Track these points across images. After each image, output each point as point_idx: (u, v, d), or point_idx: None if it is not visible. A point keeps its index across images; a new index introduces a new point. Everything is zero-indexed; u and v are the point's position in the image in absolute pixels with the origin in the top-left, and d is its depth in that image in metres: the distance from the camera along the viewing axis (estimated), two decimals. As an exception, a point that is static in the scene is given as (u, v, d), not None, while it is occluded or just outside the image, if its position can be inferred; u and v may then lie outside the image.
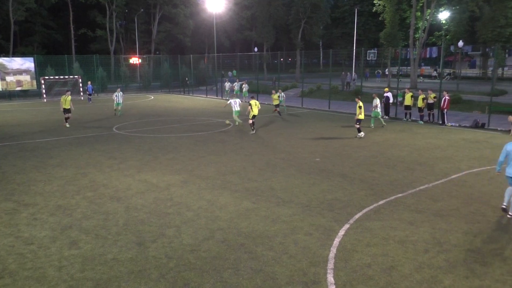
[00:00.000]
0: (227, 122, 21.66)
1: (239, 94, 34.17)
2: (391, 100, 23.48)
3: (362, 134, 17.57)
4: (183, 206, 9.37)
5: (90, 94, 35.21)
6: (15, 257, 6.98)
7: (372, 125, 20.12)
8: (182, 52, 62.27)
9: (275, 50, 66.68)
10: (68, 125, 20.99)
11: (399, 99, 25.08)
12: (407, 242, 7.45)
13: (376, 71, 54.75)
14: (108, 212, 9.06)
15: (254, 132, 18.83)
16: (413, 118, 22.50)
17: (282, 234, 7.83)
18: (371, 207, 9.27)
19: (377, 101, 19.87)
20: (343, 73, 42.31)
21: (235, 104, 20.40)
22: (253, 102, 18.99)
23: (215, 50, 48.55)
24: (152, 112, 27.34)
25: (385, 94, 23.44)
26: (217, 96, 38.51)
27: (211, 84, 43.82)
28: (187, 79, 43.87)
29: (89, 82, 35.74)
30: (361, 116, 17.48)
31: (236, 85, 34.57)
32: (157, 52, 66.64)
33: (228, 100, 22.92)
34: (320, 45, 78.67)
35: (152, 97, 38.97)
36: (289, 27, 62.09)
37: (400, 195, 10.11)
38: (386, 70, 54.71)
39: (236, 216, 8.74)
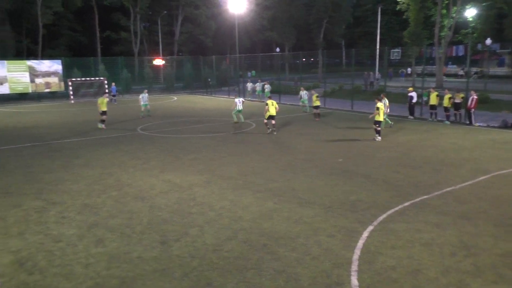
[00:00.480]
0: (238, 120, 22.12)
1: (261, 95, 34.26)
2: (414, 100, 23.05)
3: (379, 138, 16.90)
4: (205, 206, 9.44)
5: (114, 95, 35.89)
6: (44, 254, 7.18)
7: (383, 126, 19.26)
8: (204, 53, 62.78)
9: (296, 50, 66.50)
10: (104, 126, 20.90)
11: (424, 98, 24.59)
12: (433, 245, 7.30)
13: (400, 70, 53.88)
14: (133, 211, 9.22)
15: (270, 132, 18.72)
16: (439, 118, 22.03)
17: (304, 235, 7.80)
18: (396, 208, 9.13)
19: (386, 102, 19.16)
20: (365, 72, 41.80)
21: (239, 103, 21.49)
22: (269, 102, 18.82)
23: (237, 51, 48.76)
24: (175, 113, 27.66)
25: (409, 94, 23.04)
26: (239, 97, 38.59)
27: (233, 84, 44.00)
28: (209, 80, 44.20)
29: (113, 84, 36.44)
30: (379, 118, 16.96)
31: (258, 86, 34.62)
32: (180, 53, 67.42)
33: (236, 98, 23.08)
34: (342, 44, 77.94)
35: (175, 98, 39.43)
36: (310, 27, 61.79)
37: (425, 196, 9.91)
38: (409, 69, 53.75)
39: (258, 217, 8.75)
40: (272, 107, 18.62)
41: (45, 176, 12.28)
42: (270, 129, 18.79)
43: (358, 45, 74.00)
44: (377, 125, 17.02)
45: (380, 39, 51.87)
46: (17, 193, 10.73)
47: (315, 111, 22.94)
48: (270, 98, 19.73)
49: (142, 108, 25.41)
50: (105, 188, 11.01)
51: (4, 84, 35.63)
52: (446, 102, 21.24)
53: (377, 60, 48.80)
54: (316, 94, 23.12)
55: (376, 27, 53.02)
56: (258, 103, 33.42)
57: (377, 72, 43.88)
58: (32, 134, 19.80)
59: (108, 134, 19.45)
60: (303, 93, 26.66)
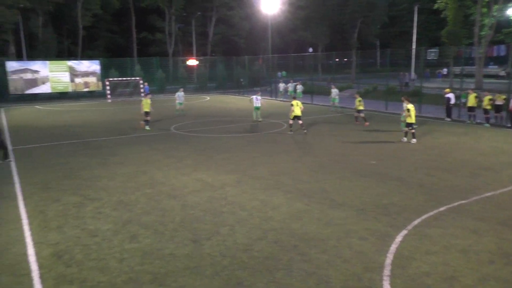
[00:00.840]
0: (256, 118, 22.60)
1: (293, 95, 34.13)
2: (452, 101, 22.33)
3: (414, 140, 16.43)
4: (237, 206, 9.51)
5: (146, 95, 36.72)
6: (81, 248, 7.44)
7: (404, 128, 18.56)
8: (237, 53, 63.17)
9: (329, 50, 65.79)
10: (148, 128, 20.72)
11: (463, 100, 23.78)
12: (470, 252, 7.05)
13: (437, 71, 52.28)
14: (166, 208, 9.41)
15: (292, 132, 18.74)
16: (478, 121, 21.24)
17: (335, 237, 7.72)
18: (431, 213, 8.88)
19: (407, 106, 18.28)
20: (401, 73, 40.84)
21: (257, 100, 22.18)
22: (294, 102, 18.76)
23: (270, 51, 48.82)
24: (208, 112, 28.00)
25: (446, 95, 22.35)
26: (271, 97, 38.65)
27: (265, 85, 44.07)
28: (241, 80, 44.45)
29: (145, 84, 37.32)
30: (411, 120, 16.34)
31: (290, 86, 34.52)
32: (213, 54, 68.13)
33: (251, 97, 23.22)
34: (377, 44, 76.47)
35: (208, 98, 39.91)
36: (344, 26, 60.92)
37: (463, 201, 9.59)
38: (445, 69, 52.02)
39: (288, 217, 8.73)
40: (297, 107, 18.61)
41: (83, 173, 12.72)
42: (293, 131, 18.85)
43: (393, 45, 72.31)
44: (410, 127, 16.55)
45: (416, 38, 50.55)
46: (57, 188, 11.17)
47: (357, 114, 21.51)
48: (294, 98, 19.71)
49: (177, 107, 26.48)
50: (140, 185, 11.29)
51: (46, 84, 37.19)
52: (486, 104, 20.45)
53: (413, 60, 47.54)
54: (360, 98, 21.49)
55: (412, 27, 51.67)
56: (290, 103, 33.32)
57: (412, 73, 42.72)
58: (71, 132, 20.56)
59: (143, 133, 19.92)
60: (334, 92, 26.57)
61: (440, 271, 6.40)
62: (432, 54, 43.54)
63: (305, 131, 18.63)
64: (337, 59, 73.20)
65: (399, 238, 7.62)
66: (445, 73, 51.34)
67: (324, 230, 8.03)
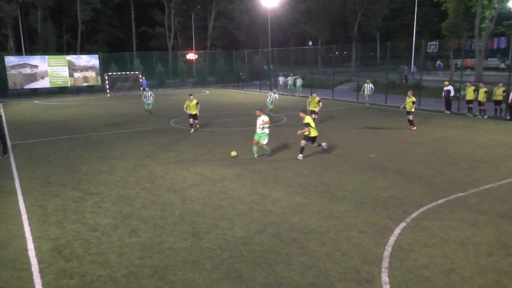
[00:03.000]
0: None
1: (292, 89, 34.08)
2: (452, 94, 22.29)
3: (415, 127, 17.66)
4: (236, 199, 9.52)
5: (144, 89, 36.76)
6: (81, 242, 7.47)
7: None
8: (237, 47, 62.95)
9: (330, 44, 65.55)
10: (192, 131, 18.17)
11: (462, 93, 23.74)
12: (468, 244, 7.07)
13: (437, 64, 52.07)
14: (165, 203, 9.43)
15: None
16: (476, 114, 21.19)
17: (335, 230, 7.74)
18: (430, 206, 8.89)
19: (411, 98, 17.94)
20: (401, 66, 40.72)
21: (272, 97, 22.79)
22: (310, 120, 13.38)
23: (269, 45, 48.64)
24: (207, 106, 27.94)
25: (446, 88, 22.31)
26: (271, 91, 38.56)
27: (265, 78, 43.96)
28: (241, 74, 44.34)
29: (143, 78, 37.28)
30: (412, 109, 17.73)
31: (290, 80, 34.44)
32: (213, 48, 67.92)
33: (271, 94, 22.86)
34: (377, 37, 76.19)
35: (208, 92, 39.83)
36: (345, 20, 60.71)
37: (461, 194, 9.60)
38: (437, 62, 51.73)
39: (288, 211, 8.75)
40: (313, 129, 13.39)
41: (82, 167, 12.74)
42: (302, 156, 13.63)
43: (393, 38, 72.02)
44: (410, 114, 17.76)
45: (417, 31, 50.34)
46: (57, 183, 11.19)
47: (409, 117, 17.89)
48: (304, 112, 13.55)
49: (146, 107, 24.29)
50: (139, 179, 11.30)
51: (45, 78, 37.10)
52: (481, 97, 20.37)
53: (413, 53, 47.35)
54: (413, 99, 17.60)
55: (413, 20, 51.45)
56: (290, 97, 33.27)
57: (412, 66, 42.56)
58: (71, 127, 20.55)
59: (142, 127, 19.91)
60: (368, 86, 24.80)
61: (439, 263, 6.42)
62: (432, 46, 43.35)
63: (324, 145, 14.07)
64: (337, 52, 72.94)
65: (397, 231, 7.64)
66: (437, 65, 51.01)
67: (323, 224, 8.05)
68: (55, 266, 6.64)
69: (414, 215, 8.40)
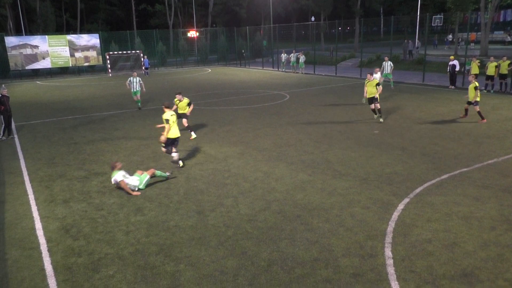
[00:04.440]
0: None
1: (295, 66, 33.78)
2: (457, 69, 22.03)
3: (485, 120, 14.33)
4: (240, 177, 9.57)
5: (146, 68, 36.55)
6: (87, 221, 7.57)
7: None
8: (238, 24, 62.14)
9: (332, 19, 64.51)
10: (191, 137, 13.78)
11: (467, 67, 23.45)
12: (471, 219, 7.12)
13: (448, 37, 51.05)
14: (170, 181, 9.49)
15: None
16: (482, 89, 20.98)
17: (338, 206, 7.79)
18: (433, 181, 8.92)
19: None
20: (405, 40, 40.14)
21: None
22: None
23: (271, 21, 47.94)
24: (209, 85, 27.81)
25: (451, 63, 22.04)
26: (273, 68, 38.26)
27: (267, 56, 43.52)
28: (243, 51, 43.91)
29: (145, 57, 36.99)
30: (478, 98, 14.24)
31: (292, 56, 34.10)
32: (214, 25, 67.08)
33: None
34: (381, 12, 74.87)
35: (209, 70, 39.56)
36: (347, -6, 59.52)
37: (465, 169, 9.60)
38: (449, 36, 50.90)
39: (292, 188, 8.80)
40: (372, 88, 14.69)
41: (86, 147, 12.79)
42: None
43: (397, 12, 70.81)
44: (476, 104, 14.32)
45: (421, 5, 49.36)
46: (62, 163, 11.26)
47: (467, 106, 15.03)
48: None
49: (133, 97, 19.30)
50: (143, 159, 11.35)
51: (46, 59, 36.88)
52: (490, 71, 20.10)
53: (417, 27, 46.59)
54: (476, 84, 14.34)
55: (418, -8, 50.37)
56: (292, 74, 33.01)
57: (416, 40, 41.90)
58: (74, 107, 20.54)
59: (144, 106, 19.86)
60: (387, 64, 22.32)
61: (441, 238, 6.48)
62: (437, 20, 42.54)
63: (381, 119, 14.69)
64: (340, 28, 71.87)
65: (401, 207, 7.68)
66: (450, 39, 50.31)
67: (327, 200, 8.10)
68: (63, 244, 6.75)
69: (417, 190, 8.43)
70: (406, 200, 7.98)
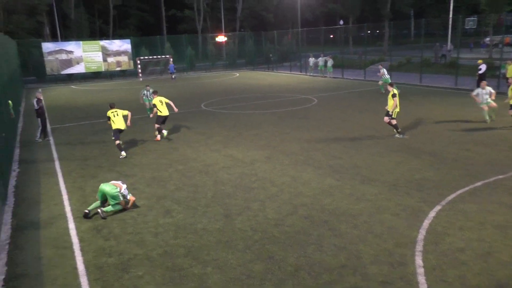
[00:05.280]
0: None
1: (323, 70, 33.56)
2: (481, 72, 21.55)
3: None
4: (267, 181, 9.58)
5: (171, 73, 37.34)
6: (118, 222, 7.75)
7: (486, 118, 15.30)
8: (265, 28, 62.30)
9: (361, 22, 63.81)
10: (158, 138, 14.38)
11: (502, 71, 22.68)
12: (507, 228, 6.86)
13: (481, 41, 49.51)
14: (198, 184, 9.60)
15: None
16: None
17: (367, 212, 7.68)
18: (466, 188, 8.65)
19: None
20: (436, 44, 39.21)
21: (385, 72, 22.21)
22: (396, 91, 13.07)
23: (299, 25, 47.87)
24: (237, 89, 27.98)
25: (480, 67, 21.58)
26: (300, 72, 38.14)
27: (295, 60, 43.43)
28: (271, 55, 43.98)
29: (171, 62, 37.78)
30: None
31: (321, 60, 33.91)
32: (242, 30, 67.54)
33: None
34: (411, 14, 73.48)
35: (237, 74, 39.81)
36: (377, -3, 58.74)
37: (500, 176, 9.27)
38: (487, 38, 49.29)
39: (319, 193, 8.73)
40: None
41: (117, 150, 13.09)
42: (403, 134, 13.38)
43: (428, 14, 69.31)
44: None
45: (453, 6, 48.15)
46: (94, 165, 11.58)
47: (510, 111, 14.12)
48: (391, 85, 13.44)
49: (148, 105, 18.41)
50: (172, 162, 11.53)
51: (80, 64, 38.06)
52: (510, 73, 19.46)
53: (450, 30, 45.45)
54: None
55: (449, -6, 49.17)
56: (320, 78, 32.82)
57: (449, 43, 40.85)
58: (106, 110, 21.04)
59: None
60: (384, 70, 22.85)
61: (475, 247, 6.28)
62: (471, 23, 41.35)
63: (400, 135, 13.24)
64: (369, 31, 70.96)
65: (432, 214, 7.49)
66: (487, 42, 48.74)
67: (355, 206, 8.00)
68: (95, 244, 6.93)
69: (449, 197, 8.20)
70: (438, 207, 7.78)
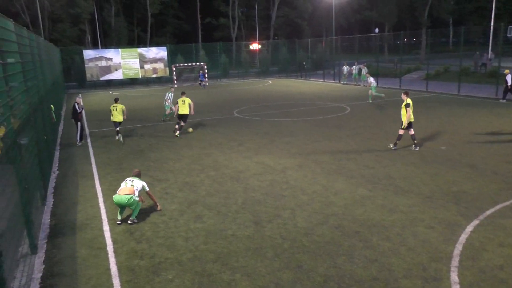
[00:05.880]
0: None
1: (357, 78, 33.16)
2: (509, 83, 20.96)
3: None
4: (298, 190, 9.52)
5: (201, 81, 38.05)
6: (150, 226, 7.91)
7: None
8: (299, 36, 62.30)
9: (397, 30, 62.66)
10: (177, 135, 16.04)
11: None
12: (550, 246, 6.51)
13: None
14: (229, 191, 9.66)
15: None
16: None
17: (400, 224, 7.48)
18: (507, 203, 8.28)
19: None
20: (476, 52, 37.94)
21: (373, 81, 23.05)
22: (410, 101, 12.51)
23: (333, 33, 47.57)
24: (270, 96, 28.05)
25: (507, 77, 21.02)
26: (334, 80, 37.84)
27: (328, 68, 43.16)
28: (304, 63, 43.89)
29: (200, 71, 38.59)
30: None
31: (355, 69, 33.54)
32: (276, 37, 67.83)
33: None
34: (450, 22, 71.52)
35: (270, 82, 39.94)
36: (414, 4, 57.56)
37: (544, 191, 8.83)
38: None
39: (351, 203, 8.59)
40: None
41: (151, 154, 13.41)
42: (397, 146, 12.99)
43: (468, 22, 67.24)
44: None
45: (495, 14, 46.55)
46: (129, 169, 11.87)
47: None
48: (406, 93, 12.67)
49: (168, 111, 19.49)
50: (204, 168, 11.67)
51: (118, 70, 39.34)
52: None
53: (491, 38, 43.88)
54: None
55: (490, 1, 47.58)
56: (354, 86, 32.43)
57: (490, 52, 39.41)
58: (141, 116, 21.65)
59: (206, 117, 20.48)
60: (372, 79, 23.86)
61: (515, 265, 5.99)
62: (513, 30, 39.72)
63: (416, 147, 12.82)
64: (405, 39, 69.55)
65: (469, 228, 7.21)
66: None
67: (387, 217, 7.81)
68: (127, 246, 7.10)
69: (488, 212, 7.87)
70: (476, 221, 7.48)
